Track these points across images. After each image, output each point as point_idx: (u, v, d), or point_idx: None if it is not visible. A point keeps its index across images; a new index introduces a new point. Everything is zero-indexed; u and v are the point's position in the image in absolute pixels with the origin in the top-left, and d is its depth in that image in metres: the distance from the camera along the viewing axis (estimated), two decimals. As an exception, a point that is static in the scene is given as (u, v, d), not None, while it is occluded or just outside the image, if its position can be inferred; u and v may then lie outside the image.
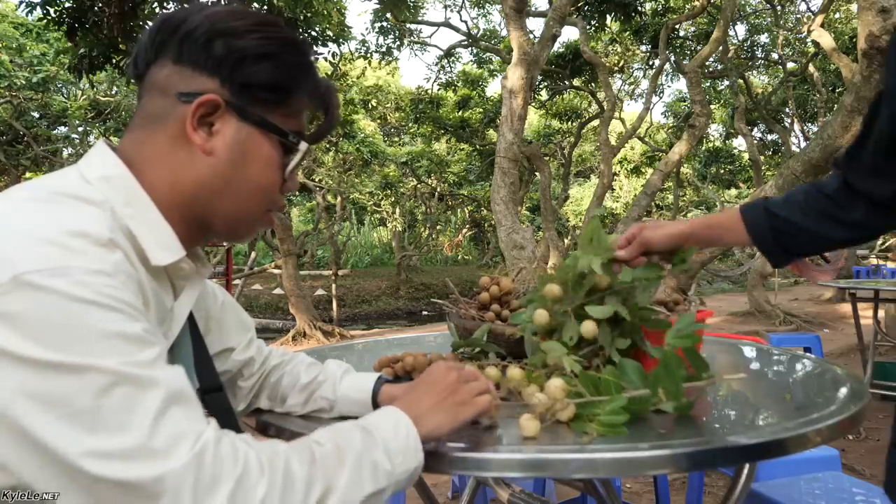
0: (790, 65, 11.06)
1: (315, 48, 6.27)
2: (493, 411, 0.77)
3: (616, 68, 11.93)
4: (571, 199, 21.02)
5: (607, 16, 8.32)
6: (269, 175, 0.72)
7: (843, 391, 0.97)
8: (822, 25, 7.02)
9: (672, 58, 9.47)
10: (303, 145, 0.74)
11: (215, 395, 0.78)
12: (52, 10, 5.55)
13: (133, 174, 0.66)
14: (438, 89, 13.22)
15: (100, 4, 5.63)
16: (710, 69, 10.90)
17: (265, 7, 5.84)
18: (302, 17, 5.99)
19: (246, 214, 0.73)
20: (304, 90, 0.73)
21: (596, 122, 12.64)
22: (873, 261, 14.88)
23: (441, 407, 0.73)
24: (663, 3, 9.79)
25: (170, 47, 0.68)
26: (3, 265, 0.51)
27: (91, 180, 0.63)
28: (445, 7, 12.31)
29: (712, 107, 12.87)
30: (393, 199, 19.29)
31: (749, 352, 1.41)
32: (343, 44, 8.02)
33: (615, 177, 18.15)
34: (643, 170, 17.40)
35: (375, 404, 0.90)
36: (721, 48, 8.18)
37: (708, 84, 12.64)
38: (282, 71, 0.70)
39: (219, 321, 0.89)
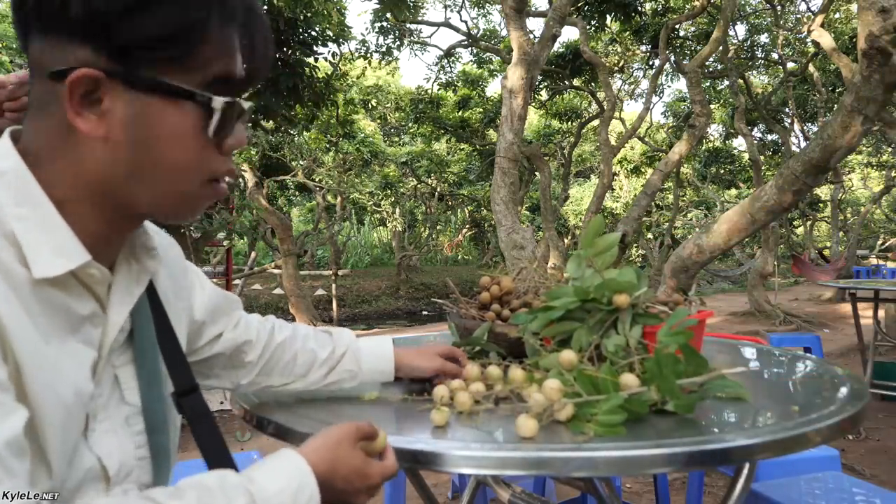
0: (790, 65, 11.04)
1: (315, 48, 6.25)
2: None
3: (616, 68, 11.91)
4: (571, 199, 21.00)
5: (607, 16, 8.32)
6: (186, 147, 0.57)
7: (843, 391, 0.98)
8: (822, 25, 7.01)
9: (672, 58, 9.45)
10: (217, 101, 0.57)
11: (190, 398, 0.73)
12: (52, 10, 5.55)
13: (31, 168, 0.55)
14: (438, 89, 13.20)
15: (100, 4, 5.61)
16: (710, 69, 10.88)
17: (265, 7, 5.84)
18: (302, 17, 5.98)
19: (176, 196, 0.59)
20: (212, 29, 0.56)
21: (596, 122, 12.62)
22: (873, 261, 14.90)
23: (349, 489, 0.63)
24: (663, 3, 9.77)
25: (32, 14, 0.54)
26: None
27: None
28: (445, 7, 12.28)
29: (712, 107, 12.86)
30: (393, 199, 19.28)
31: (749, 352, 1.41)
32: (343, 44, 8.01)
33: (615, 177, 18.13)
34: (643, 170, 17.39)
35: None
36: (721, 48, 8.16)
37: (708, 84, 12.63)
38: (171, 16, 0.53)
39: (209, 312, 0.85)
